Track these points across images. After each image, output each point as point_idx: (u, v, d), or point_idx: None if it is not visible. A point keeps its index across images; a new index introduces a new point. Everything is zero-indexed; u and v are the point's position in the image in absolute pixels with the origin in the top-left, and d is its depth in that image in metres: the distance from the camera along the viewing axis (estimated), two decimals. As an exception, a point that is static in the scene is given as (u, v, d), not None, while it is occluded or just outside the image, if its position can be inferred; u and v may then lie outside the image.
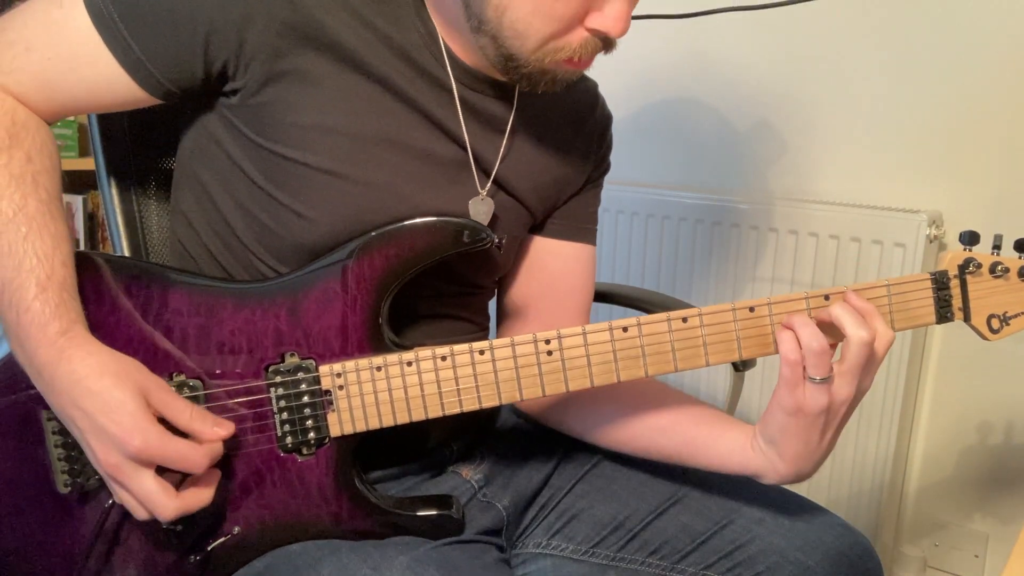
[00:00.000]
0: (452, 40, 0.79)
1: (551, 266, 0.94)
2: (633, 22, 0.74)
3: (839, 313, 0.71)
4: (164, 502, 0.65)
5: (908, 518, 1.56)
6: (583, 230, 0.95)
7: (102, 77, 0.73)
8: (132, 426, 0.64)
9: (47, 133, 0.74)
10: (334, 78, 0.75)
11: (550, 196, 0.90)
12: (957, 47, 1.38)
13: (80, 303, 0.69)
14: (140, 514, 0.67)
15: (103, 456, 0.65)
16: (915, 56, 1.41)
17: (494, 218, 0.84)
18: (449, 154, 0.80)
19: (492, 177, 0.83)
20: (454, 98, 0.79)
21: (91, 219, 2.04)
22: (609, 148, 0.96)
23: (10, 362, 0.71)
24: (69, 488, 0.72)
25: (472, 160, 0.81)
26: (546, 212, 0.92)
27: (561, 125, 0.89)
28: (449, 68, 0.79)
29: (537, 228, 0.93)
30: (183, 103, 0.79)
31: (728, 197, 1.58)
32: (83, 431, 0.66)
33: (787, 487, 0.87)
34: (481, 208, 0.83)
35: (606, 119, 0.95)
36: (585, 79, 0.94)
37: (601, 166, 0.95)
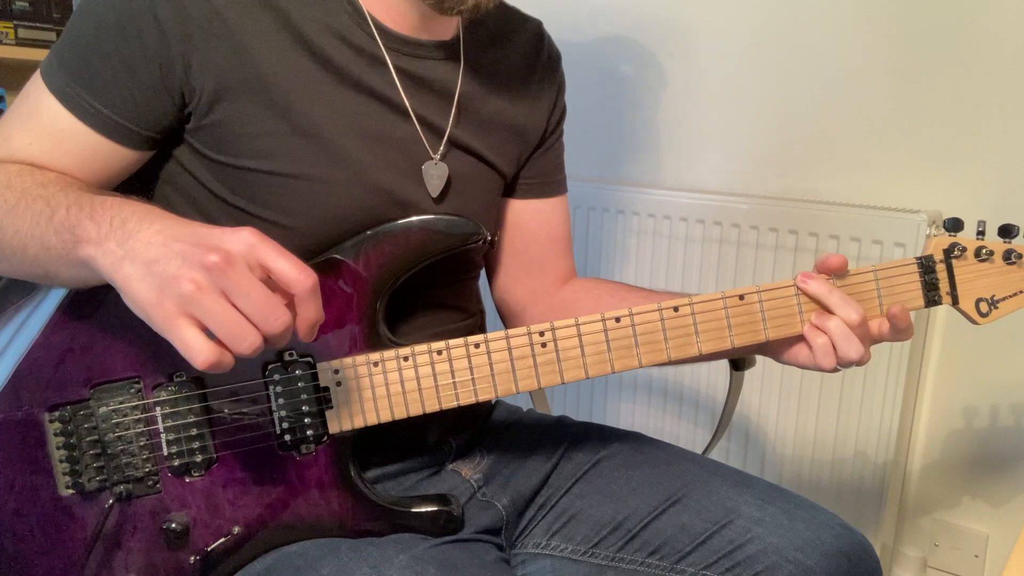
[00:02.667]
0: (377, 8, 0.79)
1: (531, 223, 0.98)
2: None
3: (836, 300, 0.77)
4: (279, 306, 0.58)
5: (908, 518, 1.56)
6: (553, 183, 0.99)
7: (87, 150, 0.75)
8: (235, 233, 0.59)
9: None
10: (281, 80, 0.75)
11: (514, 148, 0.92)
12: (958, 46, 1.38)
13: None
14: (250, 337, 0.57)
15: (201, 256, 0.57)
16: (915, 56, 1.41)
17: (450, 181, 0.84)
18: (400, 129, 0.81)
19: (444, 141, 0.84)
20: (390, 69, 0.80)
21: (92, 219, 2.04)
22: (563, 86, 0.99)
23: (15, 378, 0.72)
24: (71, 490, 0.72)
25: (420, 128, 0.82)
26: (515, 169, 0.94)
27: (513, 73, 0.91)
28: (379, 39, 0.79)
29: (508, 191, 0.96)
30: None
31: (728, 197, 1.58)
32: (177, 253, 0.58)
33: (787, 486, 0.87)
34: (434, 172, 0.83)
35: (555, 55, 0.98)
36: (529, 20, 0.95)
37: (557, 108, 0.97)
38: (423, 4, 0.78)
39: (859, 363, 0.78)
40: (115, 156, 0.76)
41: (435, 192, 0.83)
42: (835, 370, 0.79)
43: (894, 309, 0.78)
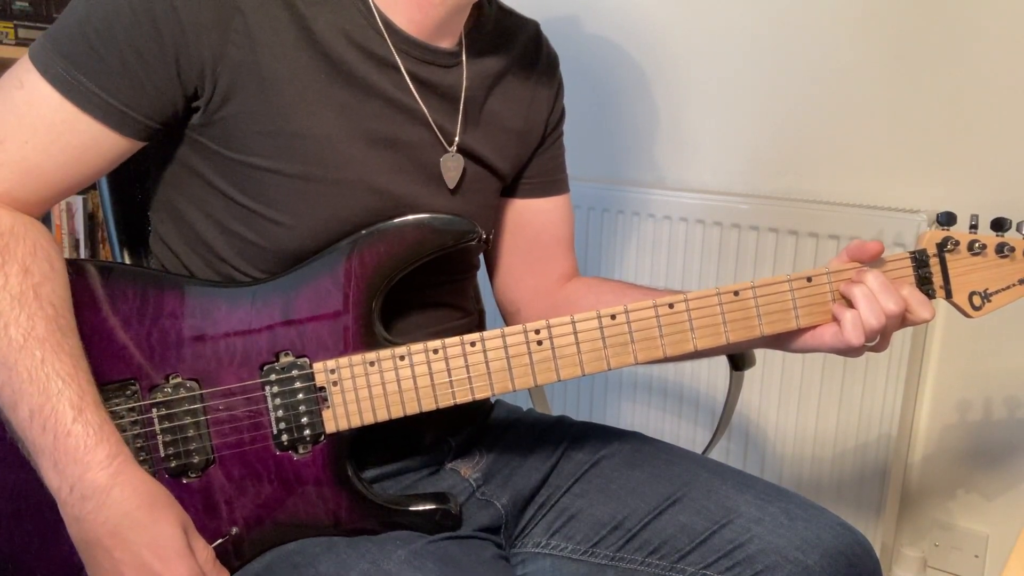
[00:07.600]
0: (390, 7, 0.79)
1: (534, 222, 0.98)
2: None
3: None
4: None
5: (908, 518, 1.56)
6: (556, 182, 0.99)
7: (86, 142, 0.72)
8: (179, 568, 0.66)
9: (39, 230, 0.73)
10: (293, 81, 0.75)
11: (516, 152, 0.92)
12: (957, 46, 1.38)
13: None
14: None
15: None
16: (915, 56, 1.41)
17: (464, 173, 0.85)
18: (414, 135, 0.81)
19: (455, 147, 0.84)
20: (403, 74, 0.80)
21: (91, 219, 2.03)
22: (561, 88, 0.99)
23: None
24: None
25: (438, 133, 0.82)
26: (515, 171, 0.94)
27: (513, 78, 0.91)
28: (390, 41, 0.79)
29: (510, 191, 0.96)
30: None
31: (728, 197, 1.57)
32: (117, 563, 0.66)
33: (787, 486, 0.87)
34: (452, 164, 0.83)
35: (553, 57, 0.98)
36: (527, 22, 0.96)
37: (556, 109, 0.98)
38: None
39: (881, 337, 0.79)
40: (114, 146, 0.74)
41: (452, 184, 0.84)
42: (861, 350, 0.78)
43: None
